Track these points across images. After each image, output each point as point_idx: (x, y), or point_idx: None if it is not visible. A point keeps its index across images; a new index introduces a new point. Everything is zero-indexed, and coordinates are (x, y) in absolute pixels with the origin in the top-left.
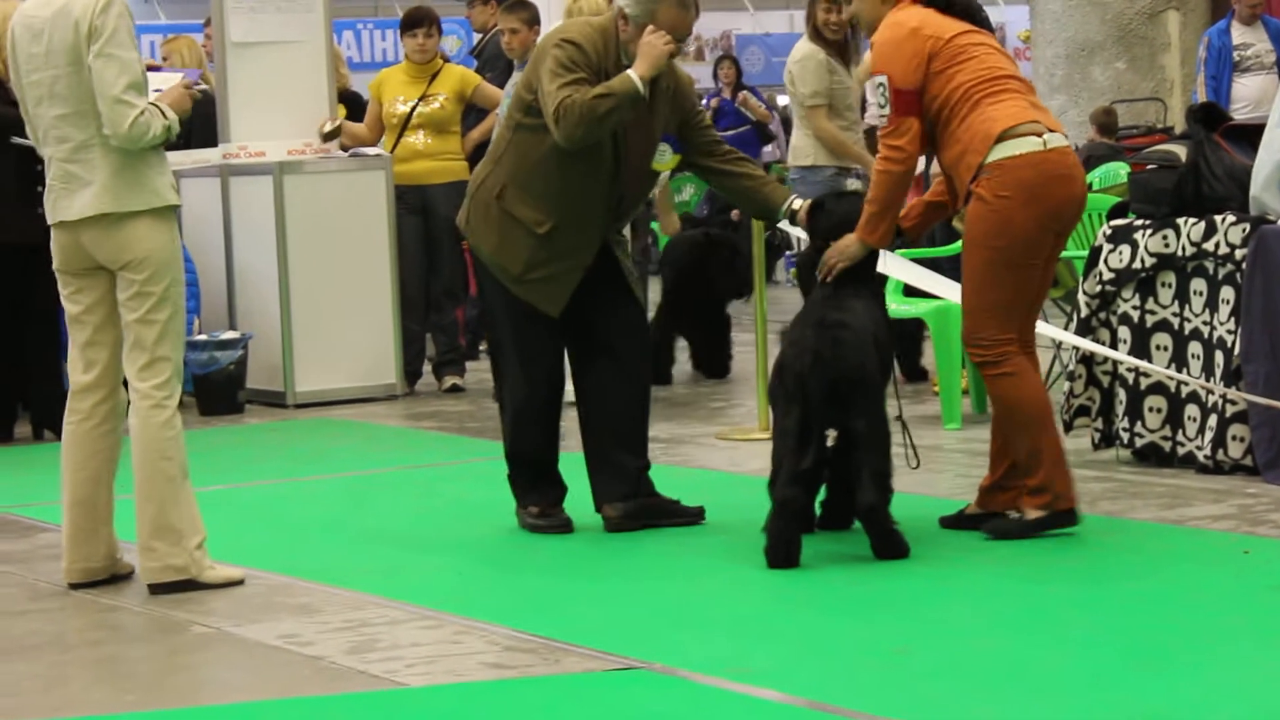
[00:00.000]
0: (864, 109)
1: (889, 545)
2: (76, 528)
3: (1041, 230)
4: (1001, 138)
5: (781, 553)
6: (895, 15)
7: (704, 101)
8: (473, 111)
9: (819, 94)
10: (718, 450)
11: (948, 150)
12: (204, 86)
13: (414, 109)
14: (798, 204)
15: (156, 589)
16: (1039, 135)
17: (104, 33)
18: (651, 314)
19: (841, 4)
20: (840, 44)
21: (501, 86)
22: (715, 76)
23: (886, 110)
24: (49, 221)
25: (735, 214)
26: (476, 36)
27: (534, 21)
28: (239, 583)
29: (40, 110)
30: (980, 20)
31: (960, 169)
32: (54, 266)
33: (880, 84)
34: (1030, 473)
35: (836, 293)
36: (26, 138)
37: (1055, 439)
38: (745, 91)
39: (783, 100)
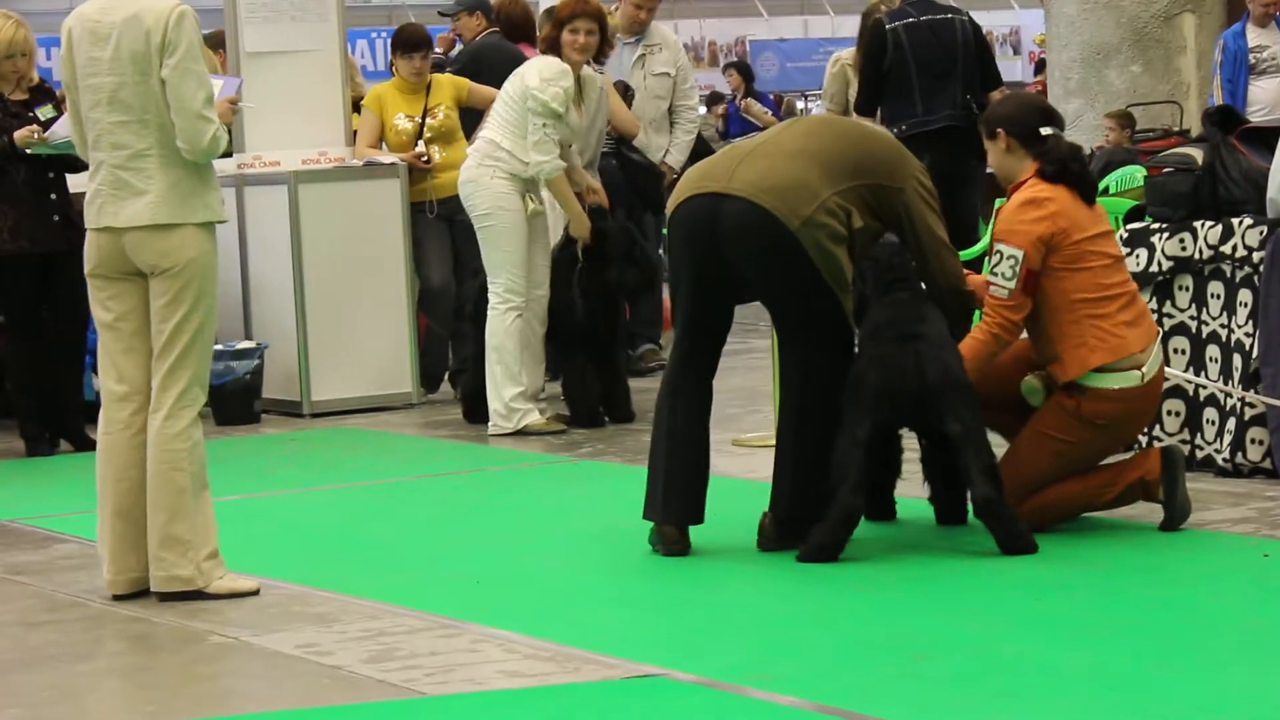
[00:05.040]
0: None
1: (1012, 534)
2: (119, 539)
3: (1111, 449)
4: (1100, 368)
5: (831, 554)
6: (1032, 191)
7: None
8: (468, 115)
9: (833, 97)
10: (735, 456)
11: (1040, 342)
12: (250, 104)
13: (424, 124)
14: None
15: (164, 598)
16: (1139, 368)
17: (179, 46)
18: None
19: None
20: None
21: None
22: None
23: (1012, 284)
24: (91, 225)
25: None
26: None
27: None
28: (253, 593)
29: (96, 114)
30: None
31: (1050, 367)
32: (87, 270)
33: (1014, 258)
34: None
35: (907, 304)
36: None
37: (1091, 483)
38: (749, 99)
39: (800, 105)
